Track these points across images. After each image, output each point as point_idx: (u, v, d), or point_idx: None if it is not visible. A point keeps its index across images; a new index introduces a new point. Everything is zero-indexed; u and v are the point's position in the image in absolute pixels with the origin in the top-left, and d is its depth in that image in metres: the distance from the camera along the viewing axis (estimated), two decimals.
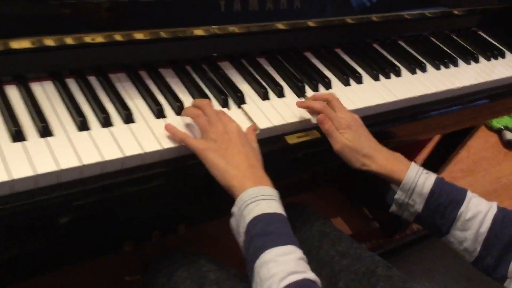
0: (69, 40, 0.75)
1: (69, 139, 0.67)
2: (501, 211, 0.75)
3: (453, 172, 2.05)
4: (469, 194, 0.77)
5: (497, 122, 2.40)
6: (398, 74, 1.05)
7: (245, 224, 0.65)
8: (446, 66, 1.14)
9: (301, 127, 0.86)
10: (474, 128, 1.48)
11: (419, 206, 0.78)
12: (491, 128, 2.42)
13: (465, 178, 2.09)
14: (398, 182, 0.79)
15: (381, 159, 0.81)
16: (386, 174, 0.80)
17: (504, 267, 0.73)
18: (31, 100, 0.71)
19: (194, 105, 0.77)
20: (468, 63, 1.18)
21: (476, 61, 1.20)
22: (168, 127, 0.72)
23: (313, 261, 0.89)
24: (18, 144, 0.64)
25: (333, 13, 1.00)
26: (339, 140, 0.82)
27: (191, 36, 0.86)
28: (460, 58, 1.18)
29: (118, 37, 0.78)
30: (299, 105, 0.85)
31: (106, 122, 0.72)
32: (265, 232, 0.63)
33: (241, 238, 0.66)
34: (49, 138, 0.67)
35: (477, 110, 1.14)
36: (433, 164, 1.61)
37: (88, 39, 0.76)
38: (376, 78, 1.02)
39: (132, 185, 0.70)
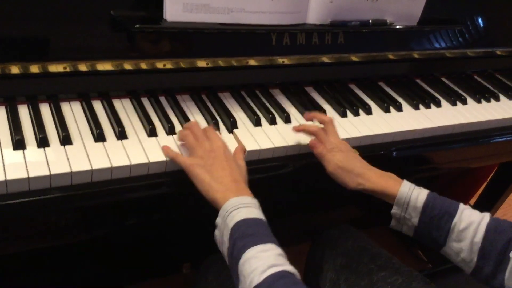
0: (143, 65, 0.90)
1: (140, 142, 0.81)
2: (493, 220, 0.77)
3: None
4: (461, 206, 0.79)
5: None
6: (438, 105, 1.13)
7: (228, 231, 0.69)
8: (488, 100, 1.20)
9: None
10: None
11: (415, 219, 0.80)
12: None
13: None
14: (392, 198, 0.82)
15: (374, 177, 0.84)
16: (380, 190, 0.83)
17: (502, 275, 0.74)
18: (112, 111, 0.86)
19: (184, 127, 0.85)
20: (510, 98, 1.23)
21: None
22: (163, 148, 0.80)
23: (353, 274, 0.94)
24: (100, 143, 0.79)
25: (375, 49, 1.11)
26: (332, 161, 0.86)
27: (246, 65, 0.99)
28: (501, 93, 1.24)
29: (183, 64, 0.93)
30: (296, 129, 0.92)
31: (170, 130, 0.85)
32: (247, 234, 0.67)
33: (225, 246, 0.69)
34: (123, 141, 0.81)
35: None
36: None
37: (159, 65, 0.91)
38: (416, 108, 1.10)
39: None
